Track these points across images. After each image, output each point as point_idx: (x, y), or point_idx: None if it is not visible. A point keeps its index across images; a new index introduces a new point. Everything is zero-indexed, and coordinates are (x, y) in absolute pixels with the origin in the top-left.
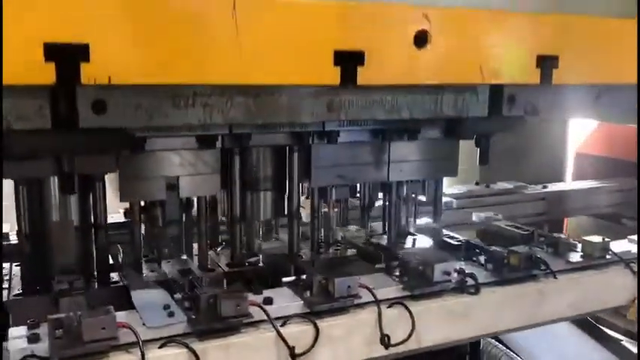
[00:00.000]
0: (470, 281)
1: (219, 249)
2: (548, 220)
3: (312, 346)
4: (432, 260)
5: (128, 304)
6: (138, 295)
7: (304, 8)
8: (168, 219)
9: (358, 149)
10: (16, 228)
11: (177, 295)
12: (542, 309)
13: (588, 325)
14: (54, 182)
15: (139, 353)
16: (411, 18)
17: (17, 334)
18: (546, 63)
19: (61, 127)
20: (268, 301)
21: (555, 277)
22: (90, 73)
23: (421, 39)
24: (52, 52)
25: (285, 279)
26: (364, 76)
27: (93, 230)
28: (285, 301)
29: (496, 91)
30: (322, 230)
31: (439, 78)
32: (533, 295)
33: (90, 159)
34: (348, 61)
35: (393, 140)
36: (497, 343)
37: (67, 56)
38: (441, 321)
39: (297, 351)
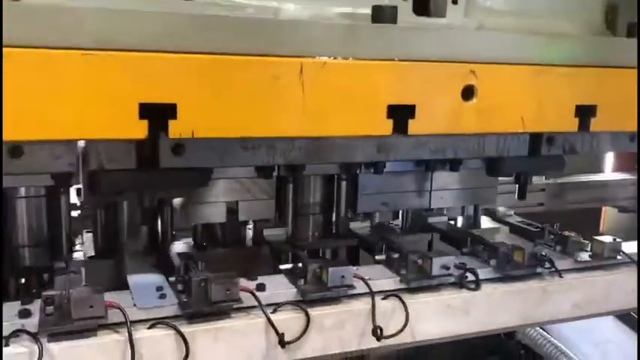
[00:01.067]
0: (470, 276)
1: None
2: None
3: (303, 333)
4: (431, 254)
5: None
6: (133, 277)
7: (362, 68)
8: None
9: (402, 178)
10: None
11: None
12: (545, 308)
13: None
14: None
15: (127, 333)
16: (459, 74)
17: (10, 308)
18: (584, 112)
19: (144, 167)
20: (261, 287)
21: (561, 276)
22: (176, 128)
23: (468, 93)
24: (146, 110)
25: (282, 266)
26: (414, 127)
27: None
28: (278, 288)
29: (536, 134)
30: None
31: (483, 128)
32: (536, 293)
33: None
34: (401, 114)
35: (436, 170)
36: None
37: (158, 114)
38: (437, 315)
39: (287, 338)
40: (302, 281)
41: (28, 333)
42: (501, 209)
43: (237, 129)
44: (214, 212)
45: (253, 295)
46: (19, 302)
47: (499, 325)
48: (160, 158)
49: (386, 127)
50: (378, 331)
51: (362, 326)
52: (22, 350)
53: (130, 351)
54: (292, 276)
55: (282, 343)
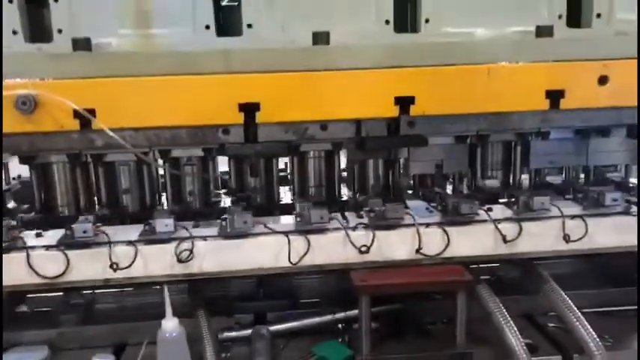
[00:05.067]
0: (634, 208)
1: None
2: None
3: (518, 235)
4: (606, 189)
5: None
6: (411, 204)
7: (528, 68)
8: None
9: (565, 143)
10: None
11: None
12: None
13: None
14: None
15: (415, 229)
16: (596, 67)
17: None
18: None
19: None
20: (490, 209)
21: None
22: (414, 111)
23: (603, 80)
24: (398, 100)
25: (500, 200)
26: (565, 104)
27: None
28: (500, 211)
29: None
30: None
31: (615, 103)
32: None
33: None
34: (554, 95)
35: (590, 137)
36: None
37: (403, 103)
38: (608, 231)
39: (508, 238)
40: (515, 207)
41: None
42: None
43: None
44: (427, 167)
45: (485, 211)
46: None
47: None
48: (401, 129)
49: (544, 104)
50: (567, 237)
51: (556, 233)
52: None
53: (417, 237)
54: (509, 204)
55: (505, 240)
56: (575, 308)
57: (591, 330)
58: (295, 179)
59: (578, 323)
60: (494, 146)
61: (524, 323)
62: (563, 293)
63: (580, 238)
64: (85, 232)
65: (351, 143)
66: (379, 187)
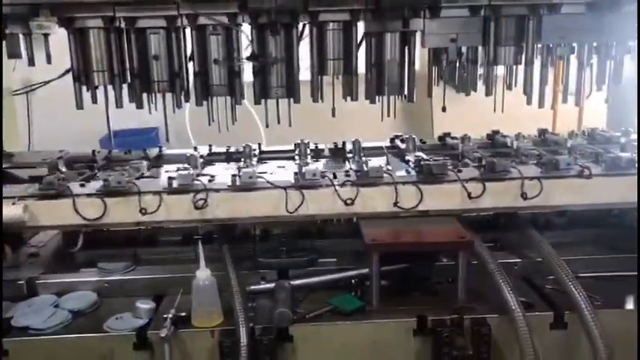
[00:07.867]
0: (586, 171)
1: None
2: None
3: (482, 194)
4: (559, 157)
5: None
6: (392, 164)
7: None
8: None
9: (578, 18)
10: None
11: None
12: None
13: None
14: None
15: (394, 187)
16: None
17: None
18: None
19: None
20: (459, 171)
21: None
22: None
23: None
24: None
25: (471, 164)
26: None
27: None
28: (468, 173)
29: None
30: None
31: None
32: (627, 184)
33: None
34: None
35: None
36: None
37: None
38: (562, 191)
39: (472, 195)
40: (482, 169)
41: None
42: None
43: None
44: (442, 40)
45: (455, 173)
46: None
47: (602, 201)
48: None
49: None
50: (525, 195)
51: (516, 192)
52: None
53: (395, 193)
54: (478, 168)
55: (470, 197)
56: (569, 270)
57: (582, 289)
58: (314, 54)
59: (570, 283)
60: (508, 20)
61: (522, 284)
62: (559, 256)
63: (536, 196)
64: (119, 182)
65: (368, 13)
66: (395, 61)
